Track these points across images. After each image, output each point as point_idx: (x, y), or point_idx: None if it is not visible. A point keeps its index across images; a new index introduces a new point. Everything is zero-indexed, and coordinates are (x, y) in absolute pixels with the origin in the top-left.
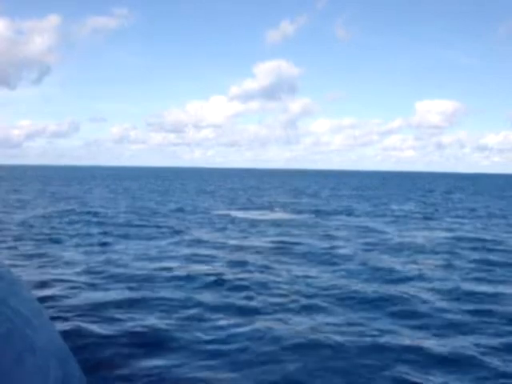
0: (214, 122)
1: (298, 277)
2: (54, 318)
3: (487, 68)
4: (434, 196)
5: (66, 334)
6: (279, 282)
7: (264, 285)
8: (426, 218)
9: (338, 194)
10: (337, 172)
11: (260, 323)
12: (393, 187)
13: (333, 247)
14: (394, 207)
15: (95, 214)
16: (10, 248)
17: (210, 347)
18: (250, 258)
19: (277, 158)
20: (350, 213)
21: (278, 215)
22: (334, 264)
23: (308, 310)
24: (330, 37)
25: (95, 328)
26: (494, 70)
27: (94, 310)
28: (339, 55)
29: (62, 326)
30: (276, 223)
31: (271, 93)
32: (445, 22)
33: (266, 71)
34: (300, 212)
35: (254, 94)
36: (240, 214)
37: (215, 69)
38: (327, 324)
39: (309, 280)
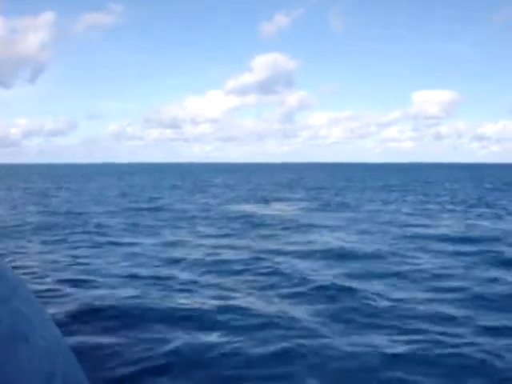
0: (211, 116)
1: None
2: None
3: (484, 56)
4: None
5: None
6: None
7: None
8: None
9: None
10: (337, 165)
11: None
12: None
13: None
14: None
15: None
16: None
17: None
18: None
19: (275, 151)
20: None
21: None
22: None
23: None
24: (326, 29)
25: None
26: (491, 59)
27: None
28: (335, 47)
29: None
30: None
31: (268, 86)
32: (440, 12)
33: (262, 65)
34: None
35: (250, 87)
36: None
37: (211, 63)
38: None
39: None
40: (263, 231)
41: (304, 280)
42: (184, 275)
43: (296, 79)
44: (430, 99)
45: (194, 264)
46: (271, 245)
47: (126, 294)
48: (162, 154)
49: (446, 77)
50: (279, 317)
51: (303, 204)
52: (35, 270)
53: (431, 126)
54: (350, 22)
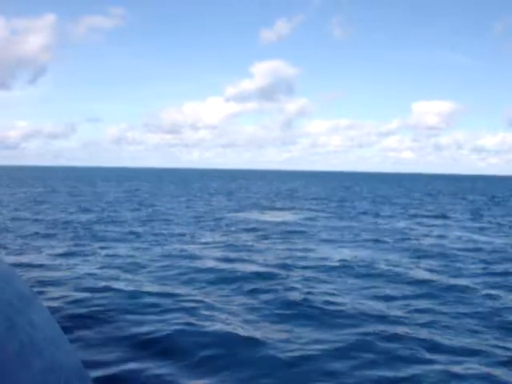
0: (210, 122)
1: None
2: None
3: (484, 68)
4: None
5: None
6: None
7: None
8: None
9: None
10: (336, 173)
11: None
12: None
13: None
14: None
15: None
16: None
17: None
18: None
19: (275, 158)
20: None
21: None
22: None
23: None
24: (327, 36)
25: None
26: (491, 70)
27: None
28: (336, 55)
29: None
30: None
31: (268, 93)
32: (441, 22)
33: (262, 71)
34: None
35: (250, 94)
36: None
37: (211, 69)
38: None
39: None
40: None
41: None
42: None
43: (296, 86)
44: (430, 109)
45: None
46: None
47: None
48: (163, 159)
49: (446, 87)
50: None
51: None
52: None
53: (431, 137)
54: (351, 30)
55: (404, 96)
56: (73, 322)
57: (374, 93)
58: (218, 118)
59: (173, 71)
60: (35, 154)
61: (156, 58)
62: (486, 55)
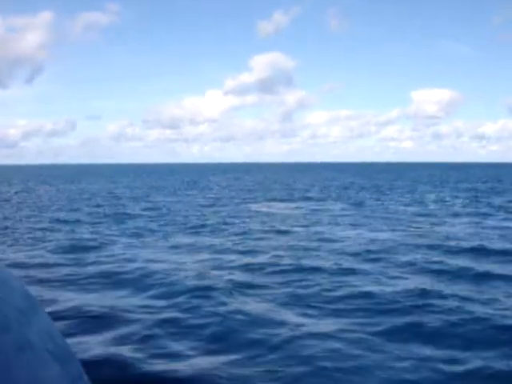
0: (210, 116)
1: None
2: None
3: (483, 56)
4: None
5: None
6: None
7: None
8: None
9: None
10: (336, 164)
11: None
12: None
13: None
14: None
15: None
16: None
17: None
18: None
19: (275, 151)
20: None
21: None
22: None
23: None
24: (324, 28)
25: None
26: (490, 59)
27: None
28: (334, 46)
29: None
30: None
31: (267, 86)
32: (439, 12)
33: (261, 64)
34: None
35: (249, 87)
36: None
37: (209, 63)
38: None
39: None
40: None
41: None
42: None
43: (295, 78)
44: (429, 98)
45: None
46: None
47: None
48: (162, 154)
49: (445, 76)
50: None
51: None
52: None
53: (431, 126)
54: (349, 21)
55: (404, 86)
56: None
57: (374, 83)
58: (218, 111)
59: (171, 67)
60: (35, 153)
61: (153, 55)
62: (485, 45)
